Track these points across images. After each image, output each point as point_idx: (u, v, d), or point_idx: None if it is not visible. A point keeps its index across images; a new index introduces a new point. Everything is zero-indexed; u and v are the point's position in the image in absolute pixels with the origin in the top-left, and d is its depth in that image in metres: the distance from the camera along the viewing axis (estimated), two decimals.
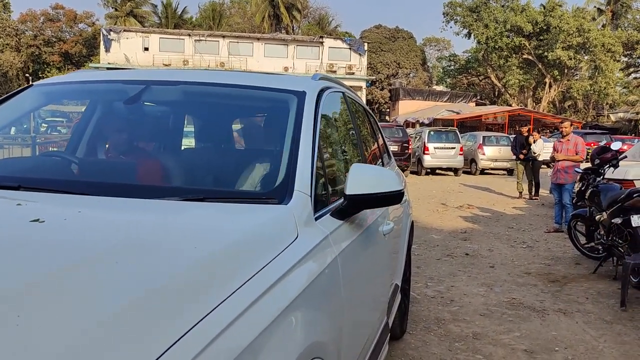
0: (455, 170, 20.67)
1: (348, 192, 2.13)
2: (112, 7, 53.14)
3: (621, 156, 7.04)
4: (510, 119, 36.74)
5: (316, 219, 2.06)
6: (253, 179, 2.30)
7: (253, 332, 1.34)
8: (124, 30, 42.76)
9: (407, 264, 4.54)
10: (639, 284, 5.65)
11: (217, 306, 1.29)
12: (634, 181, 8.40)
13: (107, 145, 2.91)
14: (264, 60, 42.71)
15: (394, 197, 2.24)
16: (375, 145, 4.11)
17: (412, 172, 20.53)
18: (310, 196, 2.05)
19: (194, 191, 2.13)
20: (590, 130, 27.12)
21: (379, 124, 4.60)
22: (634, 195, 5.65)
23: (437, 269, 6.57)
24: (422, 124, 36.15)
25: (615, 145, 7.04)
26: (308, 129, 2.32)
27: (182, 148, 2.87)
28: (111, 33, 41.83)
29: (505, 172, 21.04)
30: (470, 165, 21.46)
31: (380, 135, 4.49)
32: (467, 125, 36.27)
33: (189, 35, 43.28)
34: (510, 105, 42.97)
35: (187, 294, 1.29)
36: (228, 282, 1.41)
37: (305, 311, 1.70)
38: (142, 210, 1.89)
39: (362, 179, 2.17)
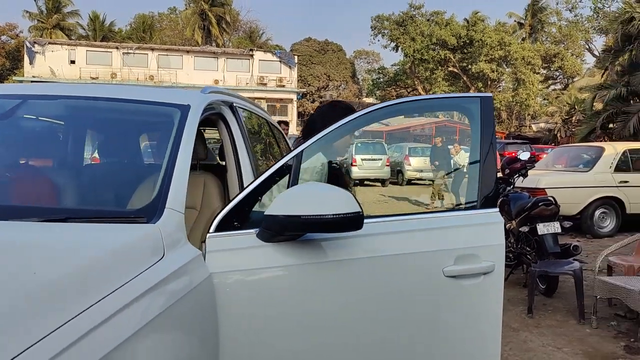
0: (382, 181, 20.97)
1: (267, 211, 1.95)
2: (38, 19, 51.03)
3: (530, 166, 7.28)
4: (437, 130, 37.68)
5: (216, 236, 2.01)
6: (125, 197, 2.19)
7: (94, 356, 1.28)
8: (49, 43, 41.34)
9: None
10: (546, 290, 5.83)
11: (51, 332, 1.21)
12: (546, 189, 8.75)
13: None
14: (194, 74, 42.24)
15: (342, 222, 1.91)
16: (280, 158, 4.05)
17: None
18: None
19: (55, 211, 2.00)
20: (512, 140, 28.22)
21: (284, 136, 4.55)
22: (540, 204, 5.84)
23: None
24: (351, 136, 36.49)
25: (524, 156, 7.28)
26: (188, 144, 2.24)
27: (56, 165, 2.71)
28: (35, 46, 40.33)
29: (431, 182, 21.50)
30: (397, 176, 21.79)
31: (286, 147, 4.44)
32: (396, 137, 36.93)
33: (117, 48, 42.33)
34: (437, 117, 44.15)
35: (15, 320, 1.20)
36: (69, 307, 1.32)
37: (166, 333, 1.62)
38: None
39: (295, 198, 1.95)
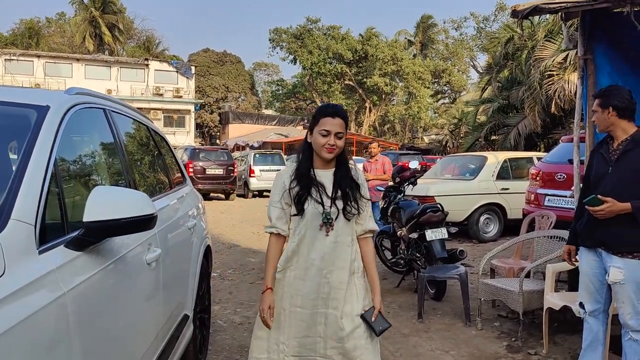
0: None
1: (86, 218, 1.90)
2: None
3: (419, 174, 7.50)
4: None
5: (43, 251, 1.79)
6: None
7: None
8: None
9: (206, 291, 4.34)
10: (435, 295, 5.99)
11: None
12: (435, 197, 9.06)
13: None
14: (85, 82, 40.15)
15: (143, 223, 2.05)
16: (160, 167, 3.86)
17: (238, 195, 20.44)
18: (35, 226, 1.79)
19: None
20: (405, 151, 29.17)
21: (169, 143, 4.35)
22: (427, 211, 6.01)
23: (249, 293, 6.42)
24: (252, 147, 36.33)
25: (413, 165, 7.50)
26: (44, 149, 2.04)
27: None
28: None
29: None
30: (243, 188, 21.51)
31: (170, 155, 4.25)
32: (296, 148, 37.14)
33: None
34: None
35: None
36: None
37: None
38: None
39: (104, 203, 1.95)
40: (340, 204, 2.71)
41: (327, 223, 2.67)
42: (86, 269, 1.98)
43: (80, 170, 2.55)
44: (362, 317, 2.72)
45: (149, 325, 2.69)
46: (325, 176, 2.75)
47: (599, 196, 3.33)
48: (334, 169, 2.77)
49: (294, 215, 2.71)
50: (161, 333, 2.84)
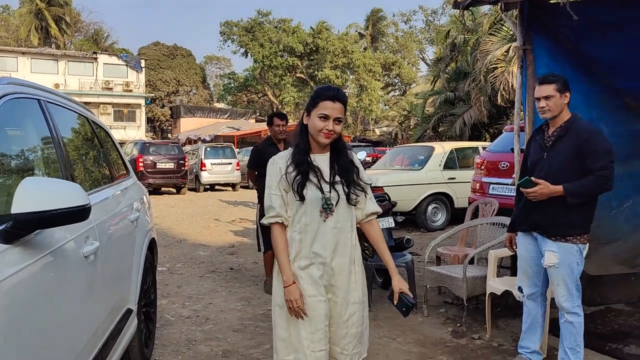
0: (233, 185, 20.82)
1: (14, 210, 1.86)
2: None
3: (366, 165, 7.56)
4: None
5: None
6: None
7: None
8: None
9: (152, 285, 4.27)
10: (383, 283, 6.06)
11: None
12: (383, 187, 9.17)
13: None
14: (31, 77, 38.68)
15: (75, 214, 2.01)
16: (101, 158, 3.78)
17: (190, 189, 20.19)
18: None
19: None
20: (357, 144, 29.34)
21: (112, 136, 4.26)
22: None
23: (198, 286, 6.36)
24: (204, 141, 35.90)
25: (360, 156, 7.56)
26: None
27: None
28: None
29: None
30: (248, 180, 21.66)
31: (113, 148, 4.17)
32: (248, 141, 36.94)
33: None
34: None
35: None
36: None
37: None
38: None
39: (34, 194, 1.90)
40: (339, 188, 2.62)
41: (327, 209, 2.57)
42: (16, 262, 1.91)
43: (11, 162, 2.47)
44: (389, 299, 2.72)
45: (88, 320, 2.62)
46: (321, 160, 2.65)
47: (532, 178, 3.45)
48: (329, 153, 2.68)
49: (296, 201, 2.59)
50: (102, 328, 2.79)
